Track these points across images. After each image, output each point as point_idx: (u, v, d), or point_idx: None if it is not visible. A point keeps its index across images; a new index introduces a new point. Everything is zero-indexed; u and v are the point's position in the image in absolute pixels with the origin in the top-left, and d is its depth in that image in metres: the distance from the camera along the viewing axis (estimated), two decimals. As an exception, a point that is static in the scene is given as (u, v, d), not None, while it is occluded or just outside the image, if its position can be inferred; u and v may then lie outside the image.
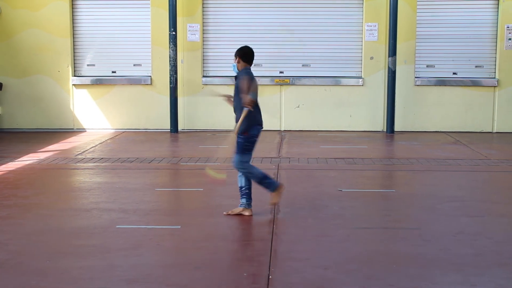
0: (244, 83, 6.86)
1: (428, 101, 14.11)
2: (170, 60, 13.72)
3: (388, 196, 8.34)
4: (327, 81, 14.19)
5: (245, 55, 7.14)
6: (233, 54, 7.23)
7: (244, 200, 7.11)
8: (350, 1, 14.16)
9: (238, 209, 7.13)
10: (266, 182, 7.06)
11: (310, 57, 14.26)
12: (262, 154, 10.90)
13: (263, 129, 7.16)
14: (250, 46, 7.24)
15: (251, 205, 7.12)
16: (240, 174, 7.08)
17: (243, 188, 7.10)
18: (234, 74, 7.21)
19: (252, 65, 7.20)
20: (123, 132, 14.11)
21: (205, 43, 14.22)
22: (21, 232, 6.52)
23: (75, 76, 14.38)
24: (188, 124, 14.17)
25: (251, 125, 6.96)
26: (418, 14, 13.97)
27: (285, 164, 10.20)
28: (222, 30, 14.18)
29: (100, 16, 14.36)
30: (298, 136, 13.35)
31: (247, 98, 6.80)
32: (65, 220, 6.98)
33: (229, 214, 7.12)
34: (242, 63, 7.12)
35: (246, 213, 7.09)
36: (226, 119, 13.68)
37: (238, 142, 6.99)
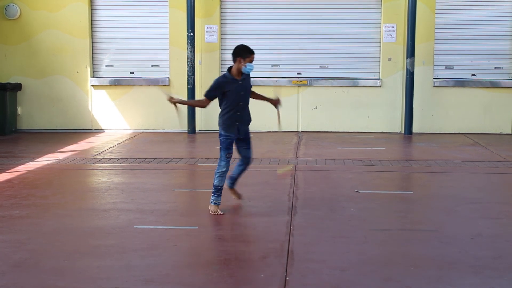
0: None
1: (447, 103, 14.03)
2: (188, 61, 13.76)
3: (405, 198, 8.30)
4: (345, 82, 14.15)
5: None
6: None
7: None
8: (368, 2, 14.11)
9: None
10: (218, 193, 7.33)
11: (328, 58, 14.23)
12: (280, 155, 10.90)
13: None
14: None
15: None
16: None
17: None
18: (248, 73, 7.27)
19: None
20: (141, 132, 14.16)
21: (223, 44, 14.24)
22: (39, 231, 6.56)
23: (93, 77, 14.46)
24: (205, 125, 14.20)
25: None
26: (436, 15, 13.90)
27: (302, 165, 10.18)
28: (240, 31, 14.19)
29: (118, 17, 14.44)
30: (316, 137, 13.33)
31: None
32: (83, 220, 7.02)
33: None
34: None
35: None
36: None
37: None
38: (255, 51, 7.14)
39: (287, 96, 13.93)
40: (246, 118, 7.27)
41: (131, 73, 14.53)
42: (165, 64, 14.42)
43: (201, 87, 14.05)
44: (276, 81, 13.80)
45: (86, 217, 7.12)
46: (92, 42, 14.46)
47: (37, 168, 9.97)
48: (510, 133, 13.97)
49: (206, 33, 14.13)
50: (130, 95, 14.40)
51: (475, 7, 13.92)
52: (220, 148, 7.18)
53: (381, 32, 13.98)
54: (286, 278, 5.18)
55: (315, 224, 6.82)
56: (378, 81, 14.06)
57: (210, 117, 14.07)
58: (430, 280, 5.15)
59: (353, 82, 14.14)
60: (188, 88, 13.78)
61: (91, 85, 14.41)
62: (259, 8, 14.25)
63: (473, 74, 14.06)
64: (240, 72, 7.08)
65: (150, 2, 14.38)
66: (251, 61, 7.04)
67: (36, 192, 8.31)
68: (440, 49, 14.02)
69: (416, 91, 13.73)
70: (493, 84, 13.93)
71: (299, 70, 14.22)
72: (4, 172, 9.62)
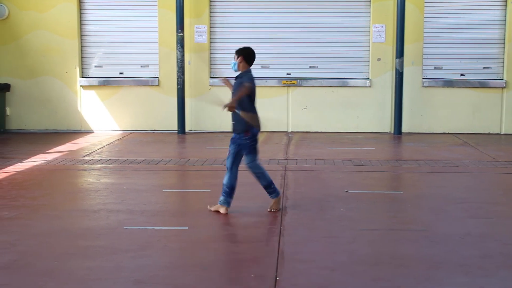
0: (243, 91, 6.93)
1: (436, 103, 14.08)
2: (177, 62, 13.73)
3: (395, 197, 8.33)
4: (334, 82, 14.17)
5: (249, 56, 7.22)
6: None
7: (222, 198, 7.22)
8: (358, 2, 14.14)
9: (217, 206, 7.27)
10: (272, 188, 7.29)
11: (318, 59, 14.24)
12: (270, 155, 10.90)
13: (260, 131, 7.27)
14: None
15: (229, 204, 7.20)
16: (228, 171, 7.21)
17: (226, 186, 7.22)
18: (235, 73, 7.28)
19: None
20: (131, 133, 14.13)
21: (212, 44, 14.22)
22: (28, 232, 6.54)
23: (82, 77, 14.41)
24: (195, 125, 14.18)
25: (251, 125, 7.05)
26: (425, 15, 13.94)
27: (292, 165, 10.19)
28: (229, 31, 14.18)
29: (107, 17, 14.39)
30: (305, 138, 13.34)
31: (231, 102, 6.97)
32: (73, 221, 7.00)
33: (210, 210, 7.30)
34: (244, 63, 7.18)
35: (222, 210, 7.18)
36: (233, 120, 13.69)
37: (243, 144, 7.03)
38: (239, 49, 7.24)
39: (276, 96, 13.96)
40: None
41: (120, 73, 14.49)
42: (154, 65, 14.39)
43: (190, 87, 14.04)
44: (266, 81, 13.80)
45: (76, 218, 7.10)
46: (81, 43, 14.40)
47: (26, 169, 9.93)
48: (498, 133, 14.04)
49: (196, 33, 14.11)
50: (120, 96, 14.36)
51: (463, 7, 13.97)
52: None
53: (370, 32, 14.02)
54: (276, 278, 5.19)
55: (305, 224, 6.83)
56: (368, 81, 14.09)
57: (199, 117, 14.06)
58: (420, 280, 5.17)
59: (342, 82, 14.16)
60: (177, 89, 13.76)
61: (80, 86, 14.36)
62: (248, 8, 14.24)
63: (462, 74, 14.11)
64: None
65: (139, 2, 14.34)
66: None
67: (25, 193, 8.28)
68: (429, 50, 14.07)
69: (405, 91, 13.78)
70: (482, 84, 13.99)
71: (288, 71, 14.23)
72: (-7, 173, 9.59)
